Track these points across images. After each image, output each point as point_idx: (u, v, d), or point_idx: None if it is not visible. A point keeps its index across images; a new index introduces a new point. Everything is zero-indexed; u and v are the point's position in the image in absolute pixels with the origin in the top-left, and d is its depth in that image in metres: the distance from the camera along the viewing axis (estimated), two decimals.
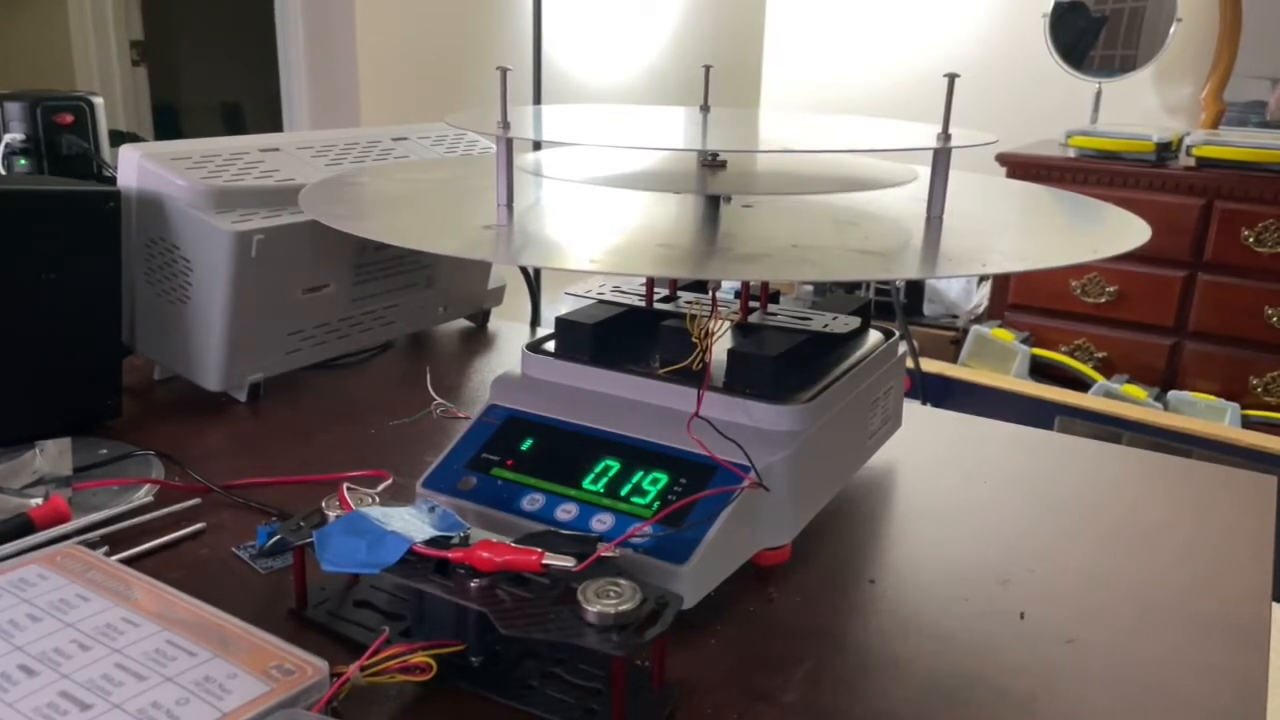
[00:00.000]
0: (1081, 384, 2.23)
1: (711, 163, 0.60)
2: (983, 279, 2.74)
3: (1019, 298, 2.51)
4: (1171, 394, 2.22)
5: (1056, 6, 2.64)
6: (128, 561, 0.48)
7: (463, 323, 0.93)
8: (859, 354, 0.58)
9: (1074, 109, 2.65)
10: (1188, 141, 2.31)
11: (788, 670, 0.43)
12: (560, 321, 0.57)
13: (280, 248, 0.67)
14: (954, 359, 2.39)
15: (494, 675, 0.41)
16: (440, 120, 0.71)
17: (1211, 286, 2.28)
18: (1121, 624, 0.47)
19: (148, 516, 0.54)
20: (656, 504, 0.46)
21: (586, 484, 0.48)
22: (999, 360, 2.33)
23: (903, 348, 0.63)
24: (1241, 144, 2.21)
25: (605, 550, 0.40)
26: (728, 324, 0.55)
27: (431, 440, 0.65)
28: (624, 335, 0.57)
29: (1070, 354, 2.42)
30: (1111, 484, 0.64)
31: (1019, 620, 0.47)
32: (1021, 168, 2.44)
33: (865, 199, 0.61)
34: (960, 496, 0.61)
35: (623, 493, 0.47)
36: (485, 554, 0.39)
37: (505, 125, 0.52)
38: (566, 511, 0.47)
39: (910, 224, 0.55)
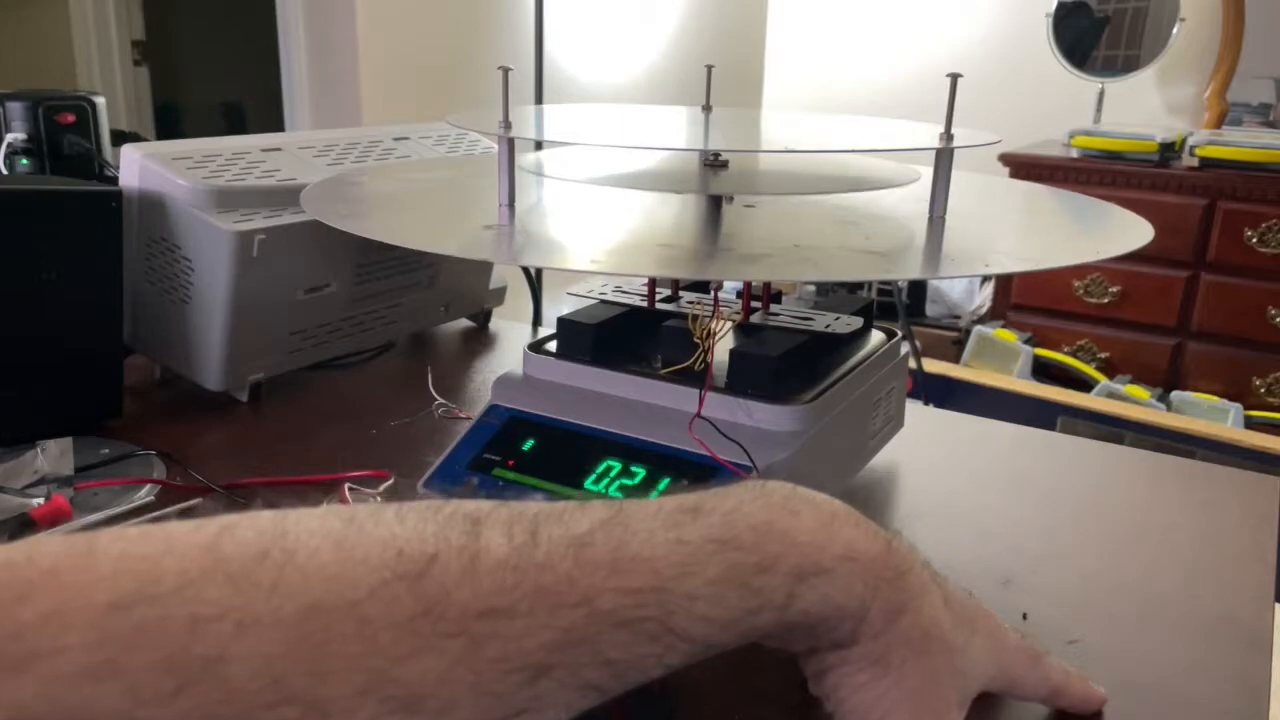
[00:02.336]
0: (1084, 384, 2.23)
1: (713, 163, 0.60)
2: (985, 279, 2.73)
3: (1021, 298, 2.50)
4: (1174, 394, 2.21)
5: (1059, 6, 2.64)
6: None
7: (464, 323, 0.93)
8: (861, 354, 0.58)
9: (1077, 109, 2.65)
10: (1191, 142, 2.31)
11: (789, 671, 0.43)
12: (562, 322, 0.57)
13: (282, 248, 0.67)
14: (956, 359, 2.39)
15: None
16: (442, 120, 0.71)
17: (1214, 287, 2.28)
18: (1124, 625, 0.47)
19: (149, 516, 0.54)
20: None
21: (588, 484, 0.48)
22: (1001, 361, 2.33)
23: (905, 348, 0.63)
24: (1245, 144, 2.21)
25: None
26: (729, 324, 0.54)
27: (433, 440, 0.65)
28: (626, 335, 0.57)
29: (1073, 354, 2.42)
30: (1114, 485, 0.64)
31: (1021, 621, 0.47)
32: (1024, 168, 2.44)
33: (867, 199, 0.61)
34: (962, 497, 0.61)
35: (625, 493, 0.47)
36: None
37: (507, 125, 0.52)
38: None
39: (913, 224, 0.55)
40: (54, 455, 0.57)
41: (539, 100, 2.49)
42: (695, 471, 0.47)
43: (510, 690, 0.25)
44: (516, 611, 0.25)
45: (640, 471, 0.48)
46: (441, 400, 0.71)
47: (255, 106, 3.58)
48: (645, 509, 0.28)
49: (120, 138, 0.90)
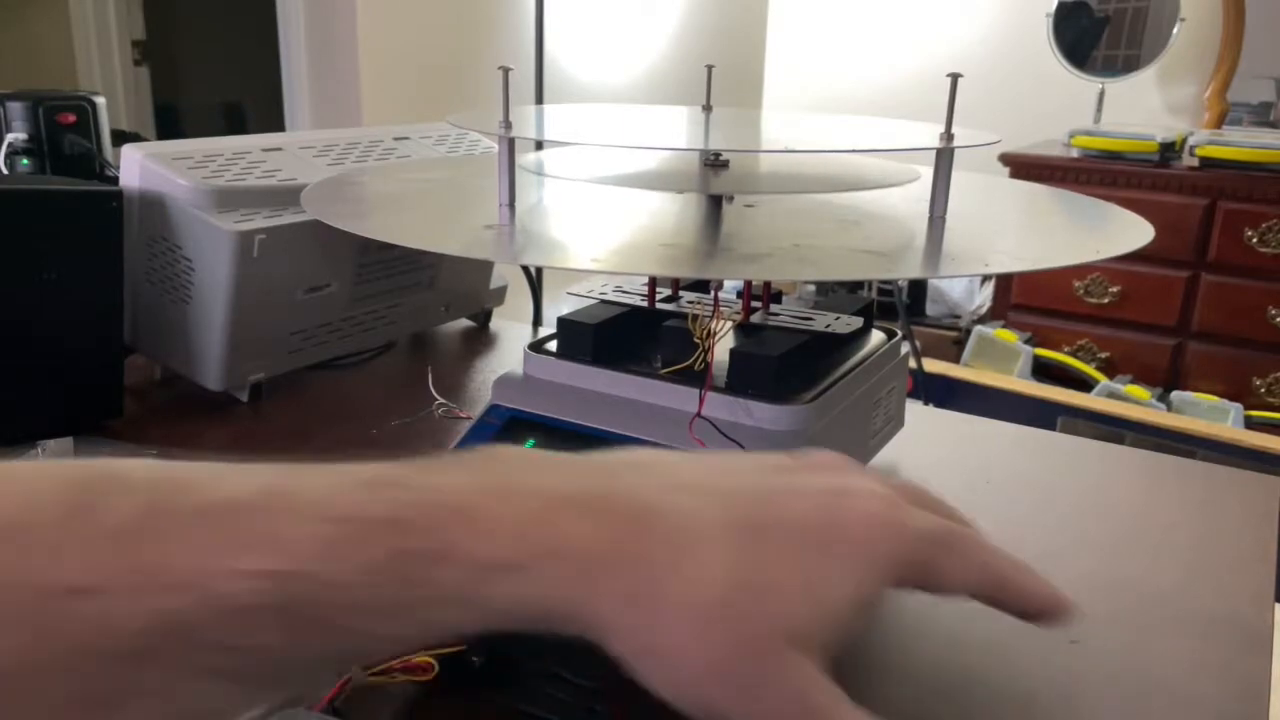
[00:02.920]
0: (1084, 384, 2.23)
1: (714, 162, 0.60)
2: (985, 279, 2.73)
3: (1022, 298, 2.50)
4: (1174, 394, 2.21)
5: (1060, 6, 2.64)
6: None
7: (464, 322, 0.93)
8: (861, 354, 0.58)
9: (1077, 109, 2.65)
10: (1191, 141, 2.31)
11: None
12: (562, 321, 0.57)
13: (282, 247, 0.67)
14: (956, 359, 2.39)
15: (495, 675, 0.41)
16: (442, 120, 0.71)
17: (1214, 287, 2.28)
18: (1124, 625, 0.47)
19: None
20: None
21: None
22: (1002, 360, 2.33)
23: (905, 348, 0.63)
24: (1245, 144, 2.21)
25: None
26: (730, 324, 0.55)
27: (433, 440, 0.65)
28: (626, 335, 0.57)
29: (1073, 354, 2.42)
30: (1114, 485, 0.64)
31: (1021, 621, 0.47)
32: (1024, 168, 2.44)
33: (868, 199, 0.61)
34: (962, 497, 0.60)
35: None
36: None
37: (507, 125, 0.52)
38: None
39: (913, 224, 0.55)
40: (54, 455, 0.57)
41: (539, 100, 2.49)
42: None
43: (106, 673, 0.23)
44: (108, 590, 0.23)
45: None
46: (442, 400, 0.71)
47: (255, 106, 3.58)
48: (327, 478, 0.26)
49: (120, 138, 0.90)
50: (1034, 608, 0.33)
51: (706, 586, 0.27)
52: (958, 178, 0.55)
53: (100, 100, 0.91)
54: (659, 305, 0.59)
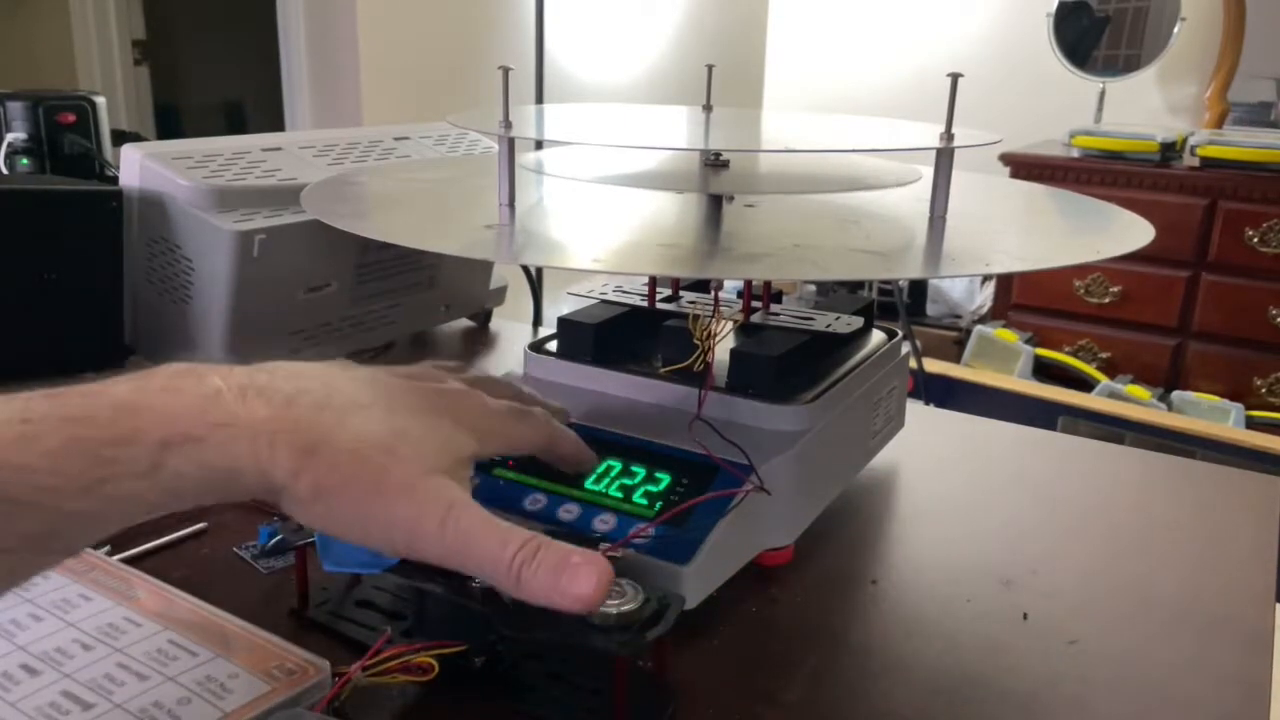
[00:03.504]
0: (1085, 384, 2.23)
1: (714, 162, 0.60)
2: (986, 279, 2.73)
3: (1022, 298, 2.50)
4: (1175, 394, 2.21)
5: (1060, 6, 2.64)
6: (129, 561, 0.48)
7: (464, 322, 0.93)
8: (862, 354, 0.58)
9: (1077, 109, 2.65)
10: (1191, 141, 2.31)
11: (790, 671, 0.43)
12: (562, 321, 0.57)
13: (282, 247, 0.67)
14: (957, 359, 2.39)
15: (496, 676, 0.41)
16: (442, 120, 0.71)
17: (1215, 287, 2.28)
18: (1125, 625, 0.47)
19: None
20: (659, 504, 0.46)
21: (589, 484, 0.48)
22: (1002, 360, 2.33)
23: (905, 348, 0.63)
24: (1245, 144, 2.21)
25: (608, 551, 0.40)
26: (730, 324, 0.54)
27: None
28: (626, 335, 0.57)
29: (1073, 354, 2.42)
30: (1115, 485, 0.64)
31: (1022, 621, 0.47)
32: (1025, 168, 2.44)
33: (868, 199, 0.61)
34: (963, 497, 0.61)
35: (625, 493, 0.47)
36: None
37: (507, 125, 0.52)
38: (568, 512, 0.47)
39: (913, 224, 0.55)
40: None
41: (539, 100, 2.49)
42: (696, 471, 0.47)
43: None
44: None
45: (640, 471, 0.48)
46: None
47: (255, 106, 3.58)
48: (20, 398, 0.31)
49: (120, 137, 0.90)
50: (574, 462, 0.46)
51: (369, 435, 0.35)
52: (958, 178, 0.55)
53: (100, 100, 0.91)
54: (659, 305, 0.59)
